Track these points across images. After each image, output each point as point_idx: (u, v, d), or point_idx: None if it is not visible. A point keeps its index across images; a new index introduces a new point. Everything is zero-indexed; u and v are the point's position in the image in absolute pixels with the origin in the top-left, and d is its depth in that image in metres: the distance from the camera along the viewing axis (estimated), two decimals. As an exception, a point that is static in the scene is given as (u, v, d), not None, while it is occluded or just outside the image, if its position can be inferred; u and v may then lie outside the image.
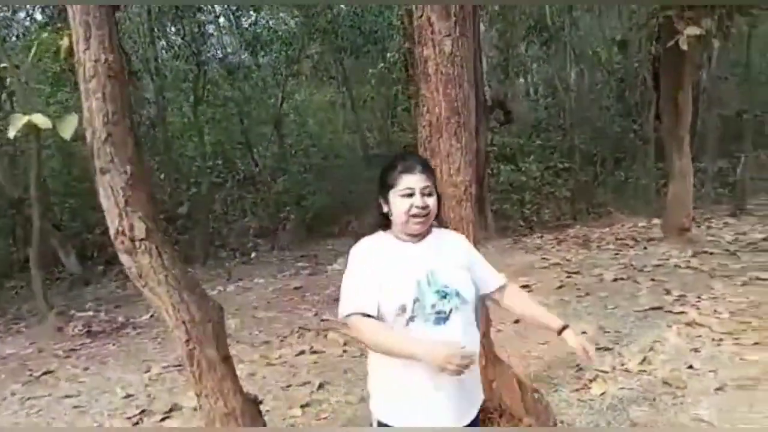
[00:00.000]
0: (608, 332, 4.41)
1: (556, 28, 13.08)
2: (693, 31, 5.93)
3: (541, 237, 8.31)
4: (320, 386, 3.99)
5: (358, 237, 1.85)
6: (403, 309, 1.64)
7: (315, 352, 4.70)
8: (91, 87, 2.32)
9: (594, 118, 13.35)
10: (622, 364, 3.79)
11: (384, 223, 1.80)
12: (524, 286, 5.63)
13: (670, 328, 4.35)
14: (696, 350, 3.92)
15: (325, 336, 5.05)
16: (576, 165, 11.66)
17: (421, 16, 2.94)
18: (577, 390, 3.53)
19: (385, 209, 1.76)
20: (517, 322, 4.81)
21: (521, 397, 3.02)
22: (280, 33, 13.48)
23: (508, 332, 4.55)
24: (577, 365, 3.81)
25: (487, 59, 18.24)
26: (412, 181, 1.70)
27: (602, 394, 3.43)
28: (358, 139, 14.46)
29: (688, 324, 4.38)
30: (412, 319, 1.64)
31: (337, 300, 6.08)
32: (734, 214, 8.61)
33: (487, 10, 14.08)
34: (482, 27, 17.40)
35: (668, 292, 5.15)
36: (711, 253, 6.36)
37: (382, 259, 1.71)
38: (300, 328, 5.40)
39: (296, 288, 6.98)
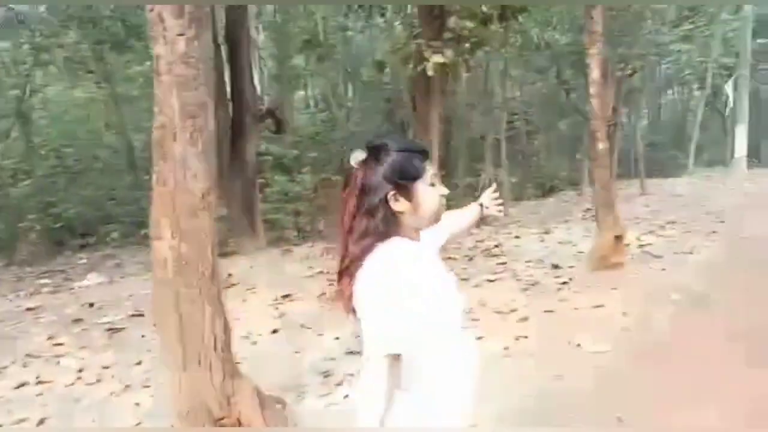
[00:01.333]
0: (359, 336, 4.61)
1: (330, 45, 13.61)
2: (437, 59, 6.63)
3: (311, 247, 8.46)
4: (41, 421, 3.47)
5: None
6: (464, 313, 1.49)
7: (41, 383, 4.09)
8: None
9: (366, 133, 14.16)
10: (367, 367, 3.98)
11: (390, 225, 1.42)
12: (286, 296, 5.65)
13: (413, 329, 4.72)
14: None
15: (58, 363, 4.44)
16: (348, 177, 12.19)
17: (152, 10, 2.76)
18: (323, 396, 3.61)
19: (400, 207, 1.41)
20: (275, 331, 4.82)
21: (261, 411, 2.97)
22: (24, 16, 11.72)
23: (263, 344, 4.50)
24: (325, 372, 3.91)
25: (267, 69, 18.23)
26: (432, 168, 1.47)
27: (346, 396, 3.56)
28: (122, 141, 13.23)
29: (428, 324, 4.80)
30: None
31: (78, 320, 5.35)
32: (477, 225, 9.81)
33: (261, 19, 14.06)
34: (261, 36, 17.41)
35: (415, 296, 5.61)
36: (455, 259, 7.13)
37: (423, 268, 1.43)
38: (26, 355, 4.66)
39: (29, 309, 6.05)
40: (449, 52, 6.75)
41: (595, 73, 6.13)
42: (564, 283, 5.79)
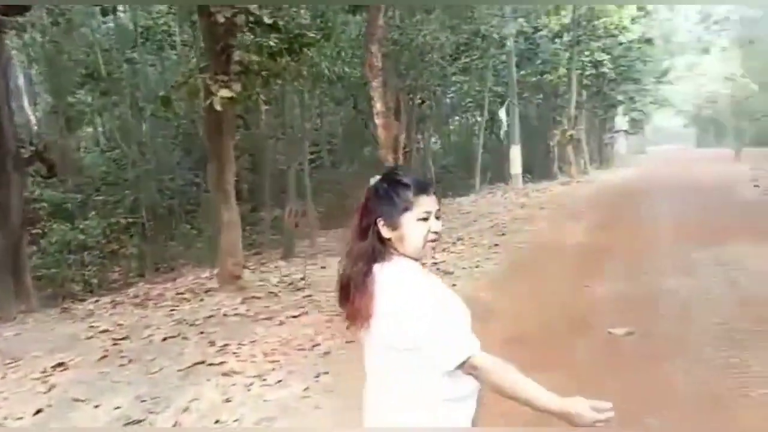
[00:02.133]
0: (145, 401, 4.14)
1: (116, 79, 12.62)
2: (224, 93, 6.41)
3: (97, 301, 7.55)
4: None
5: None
6: None
7: None
8: None
9: (162, 171, 13.25)
10: (152, 435, 3.57)
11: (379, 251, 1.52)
12: (60, 364, 4.89)
13: (209, 382, 4.37)
14: (228, 400, 4.01)
15: None
16: (143, 219, 11.26)
17: None
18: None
19: (387, 234, 1.51)
20: (39, 411, 4.10)
21: None
22: None
23: (22, 429, 3.81)
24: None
25: (42, 106, 16.28)
26: (430, 203, 1.52)
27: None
28: None
29: (226, 374, 4.48)
30: None
31: None
32: (284, 258, 9.66)
33: (28, 51, 12.59)
34: (34, 69, 15.52)
35: (213, 344, 5.24)
36: (258, 298, 6.86)
37: (435, 281, 1.56)
38: None
39: None
40: (237, 86, 6.57)
41: (378, 105, 6.42)
42: (366, 310, 5.86)
